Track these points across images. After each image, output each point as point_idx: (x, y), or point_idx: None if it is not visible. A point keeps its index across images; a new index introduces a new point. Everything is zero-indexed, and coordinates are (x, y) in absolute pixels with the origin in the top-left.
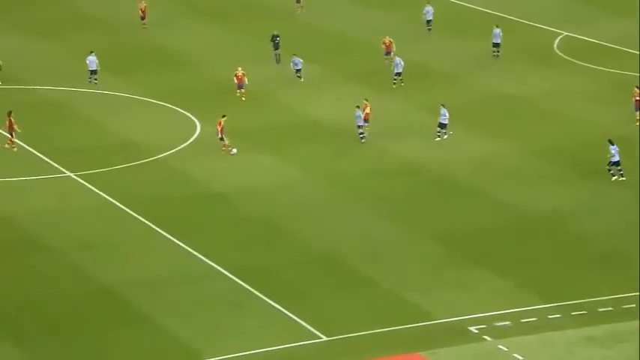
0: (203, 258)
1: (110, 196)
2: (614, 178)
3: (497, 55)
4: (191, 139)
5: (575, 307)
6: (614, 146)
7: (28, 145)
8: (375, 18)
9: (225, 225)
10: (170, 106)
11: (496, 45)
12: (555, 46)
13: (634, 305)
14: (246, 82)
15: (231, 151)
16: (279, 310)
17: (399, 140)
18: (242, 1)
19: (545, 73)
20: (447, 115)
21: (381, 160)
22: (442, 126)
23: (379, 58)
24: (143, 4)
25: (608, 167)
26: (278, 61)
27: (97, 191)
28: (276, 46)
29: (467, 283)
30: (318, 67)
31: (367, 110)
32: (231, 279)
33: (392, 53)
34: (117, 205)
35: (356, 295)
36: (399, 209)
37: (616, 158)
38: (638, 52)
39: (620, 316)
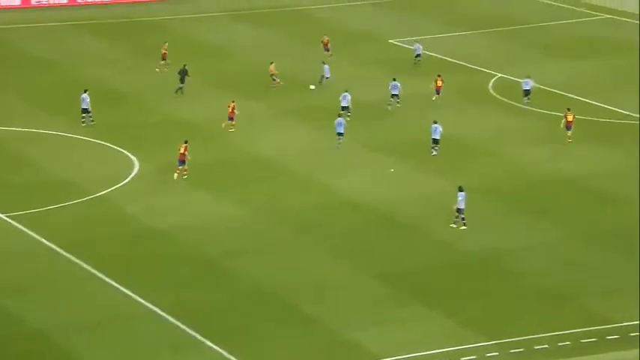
0: (140, 299)
1: (43, 237)
2: (454, 225)
3: (393, 104)
4: (129, 177)
5: (512, 345)
6: (462, 193)
7: None
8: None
9: (163, 264)
10: (106, 144)
11: (394, 96)
12: (490, 86)
13: (568, 343)
14: (236, 113)
15: (183, 176)
16: (218, 352)
17: (343, 177)
18: (177, 37)
19: (481, 113)
20: (440, 129)
21: (325, 196)
22: (435, 141)
23: (322, 97)
24: (165, 46)
25: (455, 215)
26: (181, 93)
27: (29, 232)
28: (182, 80)
29: (408, 321)
30: (260, 105)
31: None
32: (169, 320)
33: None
34: (49, 247)
35: (298, 333)
36: (343, 246)
37: (461, 206)
38: (565, 94)
39: (555, 354)
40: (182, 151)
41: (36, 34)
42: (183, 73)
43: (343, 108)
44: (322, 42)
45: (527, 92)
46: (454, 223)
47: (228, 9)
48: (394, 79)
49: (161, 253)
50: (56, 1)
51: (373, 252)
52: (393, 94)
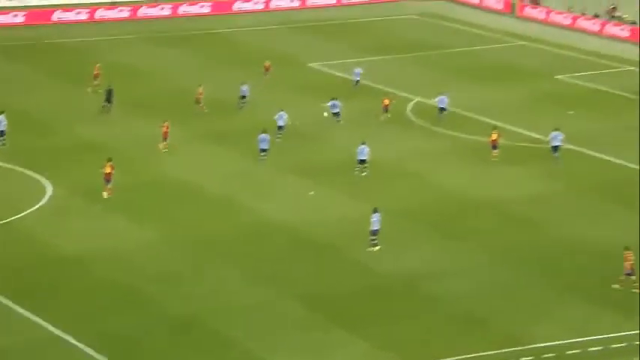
0: (51, 327)
1: None
2: (371, 249)
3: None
4: (41, 202)
5: None
6: (377, 214)
7: None
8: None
9: (77, 290)
10: (17, 168)
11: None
12: (409, 110)
13: None
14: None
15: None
16: None
17: (259, 200)
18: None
19: (400, 137)
20: (367, 151)
21: (245, 219)
22: (362, 162)
23: (242, 120)
24: (98, 66)
25: (371, 238)
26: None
27: None
28: (109, 100)
29: (329, 345)
30: (179, 128)
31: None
32: (82, 349)
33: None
34: None
35: (217, 356)
36: (264, 270)
37: (376, 227)
38: (480, 117)
39: None
40: (108, 170)
41: None
42: (109, 93)
43: (279, 127)
44: (264, 66)
45: (442, 110)
46: (370, 246)
47: (143, 31)
48: (334, 99)
49: (75, 279)
50: None
51: (293, 275)
52: (334, 113)
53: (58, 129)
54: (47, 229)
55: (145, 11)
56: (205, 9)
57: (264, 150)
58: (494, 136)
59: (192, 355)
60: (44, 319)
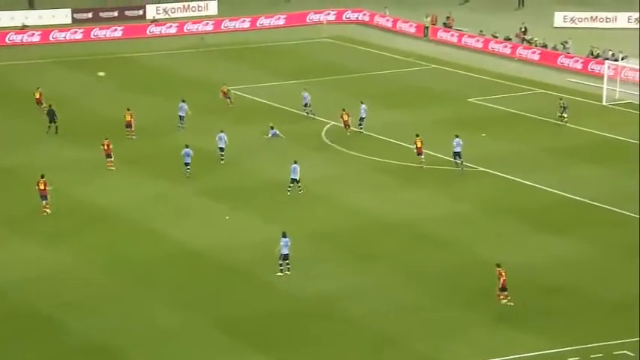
0: None
1: None
2: (280, 274)
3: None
4: None
5: None
6: (286, 239)
7: None
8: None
9: None
10: None
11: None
12: (323, 133)
13: None
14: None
15: (46, 211)
16: None
17: (178, 225)
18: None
19: (315, 159)
20: (299, 168)
21: (160, 245)
22: (294, 181)
23: (157, 145)
24: (39, 91)
25: (280, 262)
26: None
27: None
28: (53, 120)
29: None
30: (95, 153)
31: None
32: None
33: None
34: None
35: None
36: (178, 295)
37: (285, 251)
38: (395, 141)
39: None
40: (42, 187)
41: None
42: (51, 114)
43: (221, 149)
44: (222, 91)
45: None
46: (280, 271)
47: (53, 55)
48: (272, 127)
49: None
50: None
51: (210, 300)
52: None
53: None
54: None
55: (56, 35)
56: (118, 33)
57: (187, 164)
58: (418, 144)
59: None
60: None
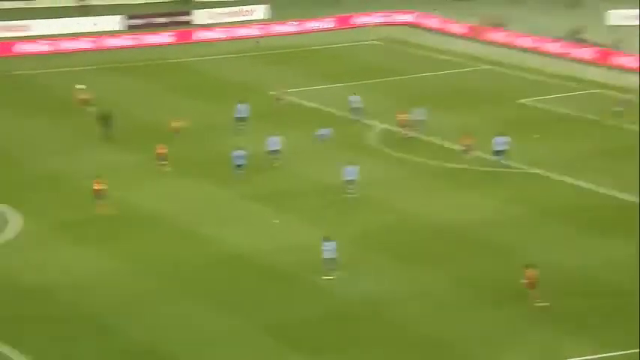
0: (19, 357)
1: None
2: (326, 277)
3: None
4: (9, 235)
5: None
6: (330, 243)
7: None
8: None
9: (42, 321)
10: None
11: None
12: (372, 137)
13: None
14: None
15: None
16: None
17: (225, 229)
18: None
19: (365, 165)
20: (354, 171)
21: (207, 249)
22: (350, 182)
23: (206, 149)
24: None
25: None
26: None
27: None
28: (107, 125)
29: None
30: (142, 157)
31: None
32: None
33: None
34: None
35: None
36: (225, 299)
37: (328, 256)
38: (445, 143)
39: None
40: (97, 187)
41: None
42: (106, 118)
43: (273, 152)
44: (276, 95)
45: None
46: (327, 274)
47: (105, 62)
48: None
49: (41, 309)
50: None
51: (258, 304)
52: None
53: (23, 160)
54: (10, 260)
55: (108, 42)
56: (168, 38)
57: (239, 166)
58: (467, 141)
59: None
60: (10, 349)
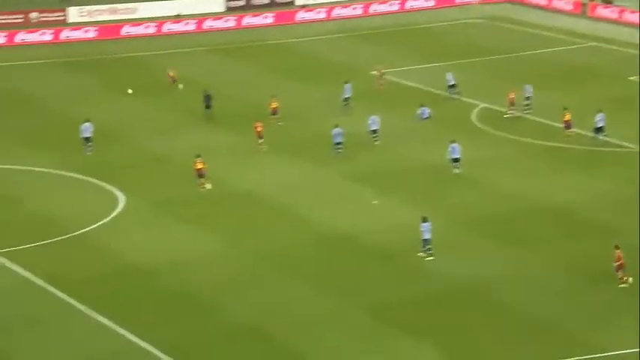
0: (127, 334)
1: (29, 273)
2: (421, 254)
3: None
4: (114, 213)
5: None
6: (426, 224)
7: None
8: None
9: (150, 300)
10: (93, 180)
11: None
12: (473, 116)
13: None
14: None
15: (205, 186)
16: None
17: (325, 209)
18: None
19: (464, 143)
20: (459, 148)
21: (307, 229)
22: (455, 160)
23: (307, 130)
24: (172, 71)
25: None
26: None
27: (16, 269)
28: (208, 106)
29: (397, 355)
30: (246, 140)
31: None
32: (158, 356)
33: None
34: (37, 283)
35: None
36: (327, 279)
37: (426, 236)
38: (550, 122)
39: None
40: (199, 166)
41: (17, 72)
42: (207, 99)
43: (373, 131)
44: (377, 73)
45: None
46: (423, 253)
47: (206, 44)
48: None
49: (146, 288)
50: (42, 39)
51: (356, 285)
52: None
53: (129, 141)
54: (119, 240)
55: (210, 23)
56: (268, 19)
57: (338, 144)
58: (567, 117)
59: None
60: (119, 327)
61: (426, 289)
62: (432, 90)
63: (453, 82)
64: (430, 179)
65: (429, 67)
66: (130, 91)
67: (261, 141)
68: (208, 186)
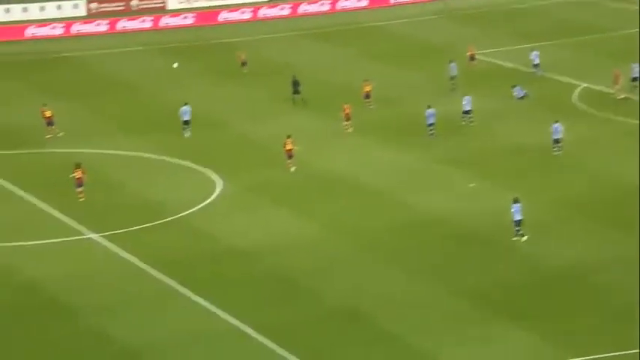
0: (225, 316)
1: (131, 256)
2: (516, 238)
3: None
4: (211, 197)
5: None
6: (517, 204)
7: (49, 207)
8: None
9: (245, 282)
10: (190, 164)
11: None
12: (574, 97)
13: None
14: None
15: (290, 168)
16: None
17: (419, 193)
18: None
19: (566, 125)
20: (561, 128)
21: (402, 213)
22: (557, 141)
23: (400, 115)
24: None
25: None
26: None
27: (118, 251)
28: (296, 91)
29: (492, 338)
30: (338, 124)
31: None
32: (255, 338)
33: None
34: (138, 265)
35: (381, 352)
36: (422, 263)
37: (517, 217)
38: None
39: None
40: (288, 147)
41: (117, 58)
42: (295, 84)
43: (467, 112)
44: (468, 54)
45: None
46: (516, 236)
47: (297, 28)
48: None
49: (244, 271)
50: (142, 26)
51: (452, 268)
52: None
53: (223, 125)
54: (216, 223)
55: (304, 8)
56: (363, 2)
57: (431, 125)
58: None
59: (356, 347)
60: (218, 309)
61: (523, 273)
62: (531, 70)
63: (537, 62)
64: (528, 160)
65: (525, 47)
66: (175, 65)
67: (347, 123)
68: (292, 168)
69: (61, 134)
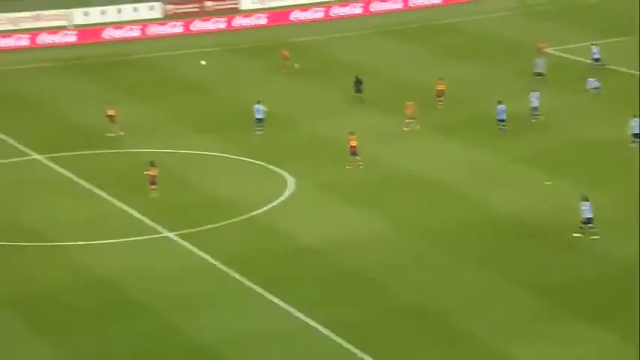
0: (297, 313)
1: (205, 254)
2: (578, 234)
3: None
4: (283, 196)
5: None
6: (587, 202)
7: (124, 206)
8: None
9: (318, 280)
10: (261, 163)
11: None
12: None
13: None
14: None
15: (359, 166)
16: None
17: (491, 191)
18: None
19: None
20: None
21: (474, 210)
22: (636, 136)
23: (471, 111)
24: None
25: (580, 225)
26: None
27: (192, 249)
28: (359, 90)
29: (569, 337)
30: (398, 119)
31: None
32: (326, 335)
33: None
34: (212, 263)
35: (454, 349)
36: (495, 260)
37: (588, 215)
38: None
39: None
40: (353, 143)
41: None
42: (358, 83)
43: (534, 108)
44: (538, 47)
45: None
46: (587, 235)
47: (369, 26)
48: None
49: (317, 269)
50: (216, 27)
51: (524, 265)
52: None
53: (293, 124)
54: (288, 222)
55: (376, 6)
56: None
57: (502, 121)
58: None
59: (428, 344)
60: (290, 306)
61: (594, 270)
62: (607, 66)
63: (597, 56)
64: (601, 157)
65: (597, 43)
66: (203, 62)
67: (409, 121)
68: (361, 165)
69: (122, 133)
